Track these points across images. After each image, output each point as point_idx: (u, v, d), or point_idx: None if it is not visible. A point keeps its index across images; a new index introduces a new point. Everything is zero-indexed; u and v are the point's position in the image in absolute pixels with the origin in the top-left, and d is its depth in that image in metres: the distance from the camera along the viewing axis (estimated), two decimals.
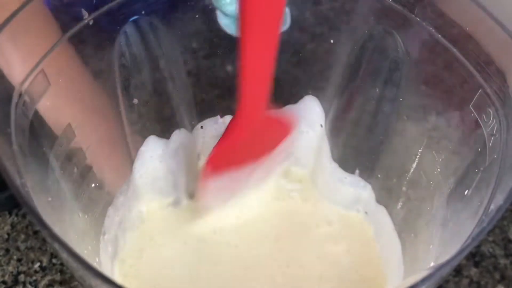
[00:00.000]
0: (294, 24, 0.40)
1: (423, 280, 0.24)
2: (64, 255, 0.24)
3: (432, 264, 0.33)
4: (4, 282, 0.40)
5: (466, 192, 0.32)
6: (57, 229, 0.27)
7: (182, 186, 0.42)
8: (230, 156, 0.34)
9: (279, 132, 0.36)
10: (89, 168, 0.36)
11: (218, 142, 0.34)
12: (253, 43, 0.28)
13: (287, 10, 0.40)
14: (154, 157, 0.41)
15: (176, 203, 0.42)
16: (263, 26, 0.27)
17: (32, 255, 0.42)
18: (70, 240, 0.31)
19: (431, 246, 0.34)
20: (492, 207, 0.27)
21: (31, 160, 0.28)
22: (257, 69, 0.30)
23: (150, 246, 0.40)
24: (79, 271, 0.25)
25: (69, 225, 0.32)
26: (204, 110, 0.43)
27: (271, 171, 0.39)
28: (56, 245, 0.24)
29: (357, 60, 0.39)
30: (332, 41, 0.40)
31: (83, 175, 0.36)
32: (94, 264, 0.34)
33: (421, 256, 0.36)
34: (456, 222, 0.32)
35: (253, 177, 0.37)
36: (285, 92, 0.44)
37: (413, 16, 0.35)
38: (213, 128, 0.44)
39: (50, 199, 0.30)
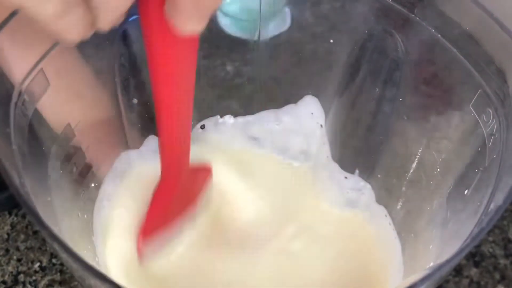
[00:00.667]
0: (294, 24, 0.40)
1: (423, 280, 0.24)
2: (63, 255, 0.24)
3: (431, 264, 0.33)
4: (4, 282, 0.40)
5: (465, 192, 0.32)
6: (56, 229, 0.27)
7: None
8: (162, 219, 0.35)
9: (200, 179, 0.38)
10: (88, 168, 0.36)
11: (147, 212, 0.34)
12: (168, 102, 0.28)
13: (287, 10, 0.40)
14: (154, 156, 0.41)
15: None
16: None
17: (32, 255, 0.42)
18: (70, 240, 0.31)
19: (431, 246, 0.34)
20: (492, 207, 0.27)
21: (30, 159, 0.28)
22: (175, 132, 0.30)
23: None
24: (79, 271, 0.25)
25: (68, 225, 0.32)
26: (204, 110, 0.43)
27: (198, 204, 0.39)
28: (56, 245, 0.23)
29: (357, 60, 0.39)
30: (332, 41, 0.40)
31: (83, 175, 0.36)
32: (94, 264, 0.34)
33: (421, 256, 0.36)
34: (455, 222, 0.32)
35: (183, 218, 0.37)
36: (285, 92, 0.44)
37: (413, 16, 0.35)
38: (213, 128, 0.44)
39: (49, 199, 0.30)
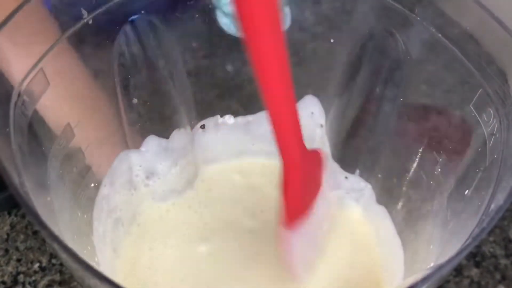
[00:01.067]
0: (294, 24, 0.40)
1: (423, 280, 0.24)
2: (63, 255, 0.24)
3: (432, 264, 0.33)
4: (3, 283, 0.40)
5: (466, 192, 0.32)
6: (56, 229, 0.27)
7: (181, 186, 0.42)
8: (298, 204, 0.33)
9: (319, 163, 0.36)
10: (88, 168, 0.36)
11: (281, 199, 0.33)
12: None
13: (287, 10, 0.40)
14: (153, 157, 0.41)
15: (174, 202, 0.42)
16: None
17: (31, 255, 0.42)
18: (69, 240, 0.31)
19: (431, 246, 0.34)
20: (493, 207, 0.27)
21: (30, 160, 0.28)
22: (281, 103, 0.30)
23: (149, 245, 0.40)
24: (78, 271, 0.25)
25: (68, 225, 0.32)
26: (204, 110, 0.43)
27: (329, 204, 0.37)
28: (55, 245, 0.23)
29: (357, 59, 0.39)
30: (332, 40, 0.40)
31: (82, 175, 0.36)
32: (93, 263, 0.34)
33: (422, 256, 0.36)
34: (456, 222, 0.32)
35: (320, 221, 0.36)
36: None
37: (414, 15, 0.35)
38: (213, 128, 0.44)
39: (49, 199, 0.30)
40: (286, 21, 0.40)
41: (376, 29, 0.37)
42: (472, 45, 0.32)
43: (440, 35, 0.34)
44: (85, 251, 0.34)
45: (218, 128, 0.44)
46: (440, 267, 0.24)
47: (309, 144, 0.43)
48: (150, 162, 0.41)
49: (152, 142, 0.41)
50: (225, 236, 0.40)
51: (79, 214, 0.35)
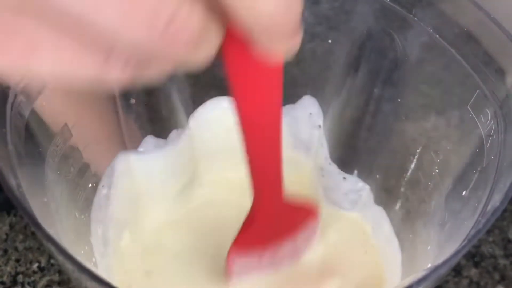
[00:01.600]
0: None
1: (419, 281, 0.24)
2: (59, 257, 0.24)
3: (430, 265, 0.33)
4: (2, 283, 0.40)
5: (464, 193, 0.32)
6: (52, 230, 0.27)
7: (179, 187, 0.42)
8: (255, 239, 0.34)
9: (301, 217, 0.36)
10: (86, 168, 0.36)
11: (241, 228, 0.34)
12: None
13: None
14: (151, 157, 0.41)
15: (173, 203, 0.42)
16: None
17: (30, 256, 0.42)
18: (67, 240, 0.31)
19: (429, 247, 0.34)
20: (490, 207, 0.27)
21: (27, 160, 0.28)
22: (263, 161, 0.30)
23: (147, 247, 0.40)
24: (75, 273, 0.25)
25: (66, 226, 0.32)
26: None
27: (299, 253, 0.38)
28: (51, 247, 0.23)
29: (355, 60, 0.39)
30: (330, 41, 0.40)
31: (80, 175, 0.36)
32: (91, 264, 0.34)
33: (419, 257, 0.36)
34: (454, 223, 0.32)
35: (279, 258, 0.37)
36: (284, 92, 0.43)
37: (412, 16, 0.35)
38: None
39: (46, 199, 0.30)
40: None
41: (375, 30, 0.37)
42: (470, 46, 0.32)
43: (438, 36, 0.34)
44: (82, 252, 0.34)
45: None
46: (436, 268, 0.24)
47: (307, 145, 0.43)
48: (148, 162, 0.41)
49: (150, 143, 0.41)
50: (225, 239, 0.40)
51: (76, 215, 0.35)
